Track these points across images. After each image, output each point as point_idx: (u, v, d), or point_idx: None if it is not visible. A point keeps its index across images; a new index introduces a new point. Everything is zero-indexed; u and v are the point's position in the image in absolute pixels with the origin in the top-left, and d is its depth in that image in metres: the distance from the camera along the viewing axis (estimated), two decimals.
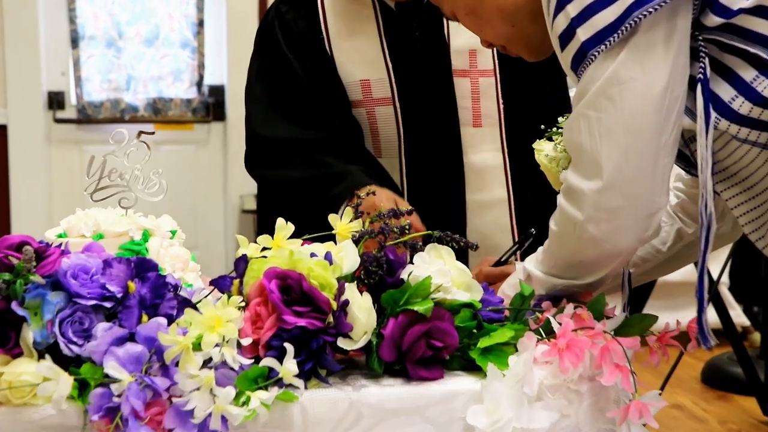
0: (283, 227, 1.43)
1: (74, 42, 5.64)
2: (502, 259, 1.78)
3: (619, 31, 1.31)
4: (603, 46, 1.32)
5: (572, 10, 1.34)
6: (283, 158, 2.01)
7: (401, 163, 2.06)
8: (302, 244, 1.44)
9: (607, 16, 1.31)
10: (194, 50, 5.78)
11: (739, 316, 4.61)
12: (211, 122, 5.83)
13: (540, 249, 1.52)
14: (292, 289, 1.33)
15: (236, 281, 1.39)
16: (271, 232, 2.18)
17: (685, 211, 1.69)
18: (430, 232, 1.48)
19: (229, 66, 5.69)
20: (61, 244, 1.40)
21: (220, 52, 5.77)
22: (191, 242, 5.83)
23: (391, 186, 1.98)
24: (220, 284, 1.40)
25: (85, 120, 5.69)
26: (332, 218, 1.48)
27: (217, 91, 5.82)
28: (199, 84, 5.81)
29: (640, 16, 1.29)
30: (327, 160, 1.96)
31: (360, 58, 2.04)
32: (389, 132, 2.05)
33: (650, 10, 1.29)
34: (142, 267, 1.38)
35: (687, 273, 3.88)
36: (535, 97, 2.10)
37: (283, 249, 1.39)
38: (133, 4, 5.72)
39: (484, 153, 2.08)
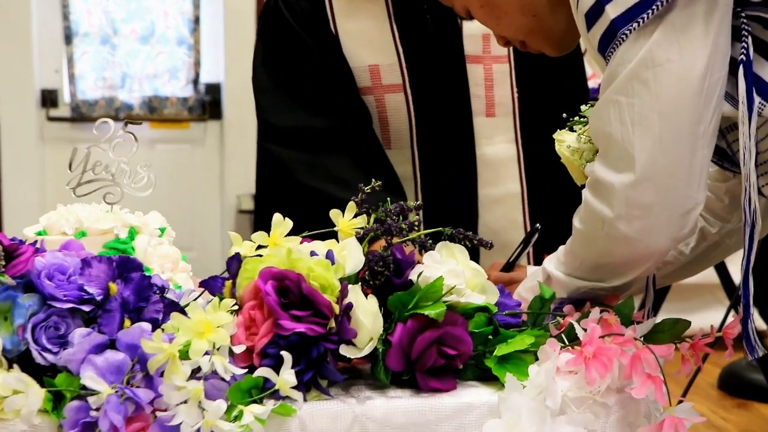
0: (281, 223, 1.30)
1: (68, 39, 5.53)
2: (511, 260, 1.66)
3: (654, 7, 1.18)
4: (635, 24, 1.20)
5: None
6: (295, 145, 1.89)
7: (413, 155, 1.95)
8: (301, 242, 1.32)
9: None
10: (190, 47, 5.66)
11: (755, 319, 4.45)
12: (208, 121, 5.72)
13: (561, 249, 1.39)
14: (290, 291, 1.20)
15: (228, 282, 1.26)
16: (268, 208, 2.05)
17: (708, 208, 1.56)
18: (441, 228, 1.35)
19: (226, 63, 5.57)
20: (35, 242, 1.28)
21: (217, 49, 5.65)
22: (187, 243, 5.70)
23: (399, 193, 1.86)
24: (211, 286, 1.28)
25: (78, 118, 5.58)
26: (334, 214, 1.36)
27: (214, 89, 5.70)
28: (196, 82, 5.69)
29: None
30: (338, 170, 1.83)
31: (368, 42, 1.92)
32: (400, 121, 1.94)
33: None
34: (125, 266, 1.26)
35: (701, 274, 3.76)
36: (551, 85, 1.97)
37: (280, 247, 1.26)
38: (128, 1, 5.60)
39: (497, 145, 1.96)
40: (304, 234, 1.34)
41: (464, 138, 1.95)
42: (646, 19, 1.19)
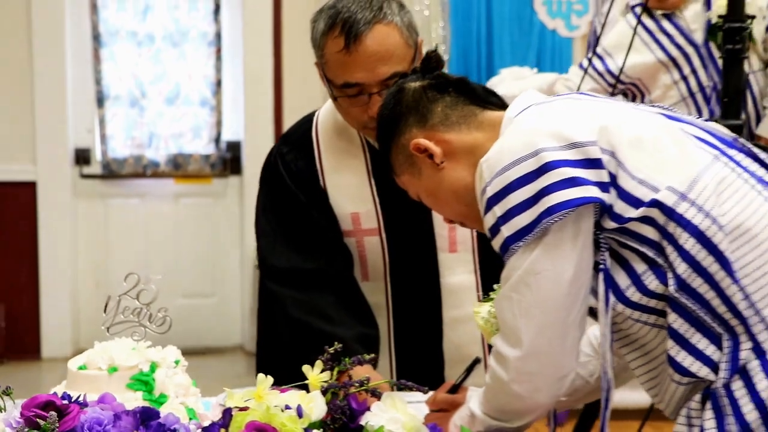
0: (263, 381, 1.73)
1: (100, 101, 5.98)
2: (456, 383, 2.06)
3: (534, 232, 1.60)
4: (521, 243, 1.61)
5: (498, 211, 1.63)
6: (288, 283, 2.30)
7: (386, 287, 2.35)
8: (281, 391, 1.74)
9: (524, 219, 1.60)
10: (213, 108, 6.10)
11: None
12: (229, 176, 6.14)
13: (482, 391, 1.81)
14: None
15: (223, 430, 1.68)
16: (268, 335, 2.48)
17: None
18: (387, 380, 1.77)
19: (245, 123, 6.00)
20: (79, 397, 1.70)
21: (237, 109, 6.08)
22: (209, 290, 6.15)
23: (371, 325, 2.27)
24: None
25: (109, 175, 6.02)
26: (305, 369, 1.78)
27: (234, 147, 6.13)
28: (217, 140, 6.12)
29: (550, 223, 1.58)
30: (323, 306, 2.25)
31: (350, 193, 2.33)
32: (376, 259, 2.34)
33: (557, 219, 1.58)
34: (146, 416, 1.68)
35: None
36: None
37: (262, 402, 1.68)
38: (155, 66, 6.05)
39: (458, 275, 2.35)
40: (282, 387, 1.76)
41: (430, 270, 2.35)
42: (529, 239, 1.61)
